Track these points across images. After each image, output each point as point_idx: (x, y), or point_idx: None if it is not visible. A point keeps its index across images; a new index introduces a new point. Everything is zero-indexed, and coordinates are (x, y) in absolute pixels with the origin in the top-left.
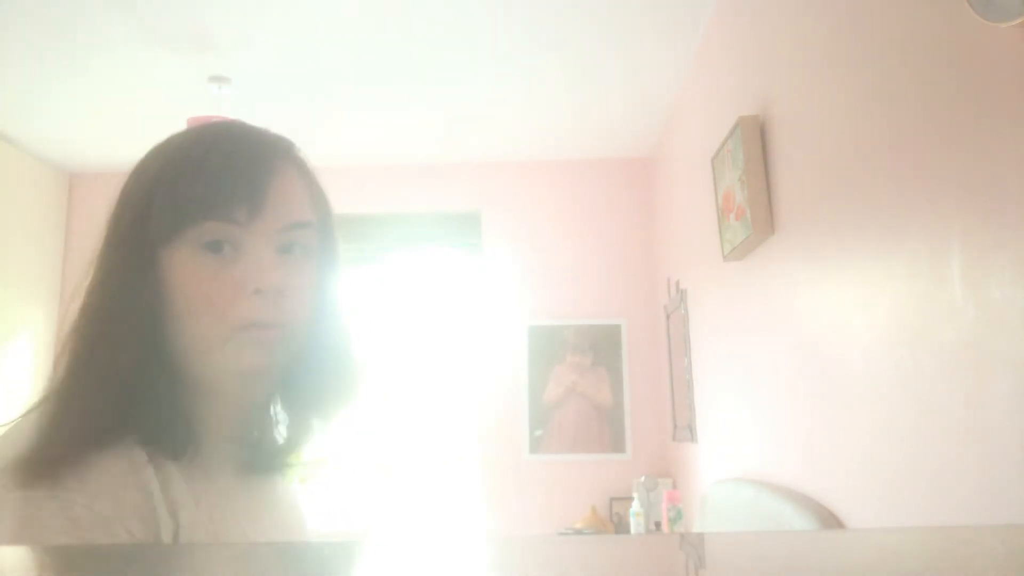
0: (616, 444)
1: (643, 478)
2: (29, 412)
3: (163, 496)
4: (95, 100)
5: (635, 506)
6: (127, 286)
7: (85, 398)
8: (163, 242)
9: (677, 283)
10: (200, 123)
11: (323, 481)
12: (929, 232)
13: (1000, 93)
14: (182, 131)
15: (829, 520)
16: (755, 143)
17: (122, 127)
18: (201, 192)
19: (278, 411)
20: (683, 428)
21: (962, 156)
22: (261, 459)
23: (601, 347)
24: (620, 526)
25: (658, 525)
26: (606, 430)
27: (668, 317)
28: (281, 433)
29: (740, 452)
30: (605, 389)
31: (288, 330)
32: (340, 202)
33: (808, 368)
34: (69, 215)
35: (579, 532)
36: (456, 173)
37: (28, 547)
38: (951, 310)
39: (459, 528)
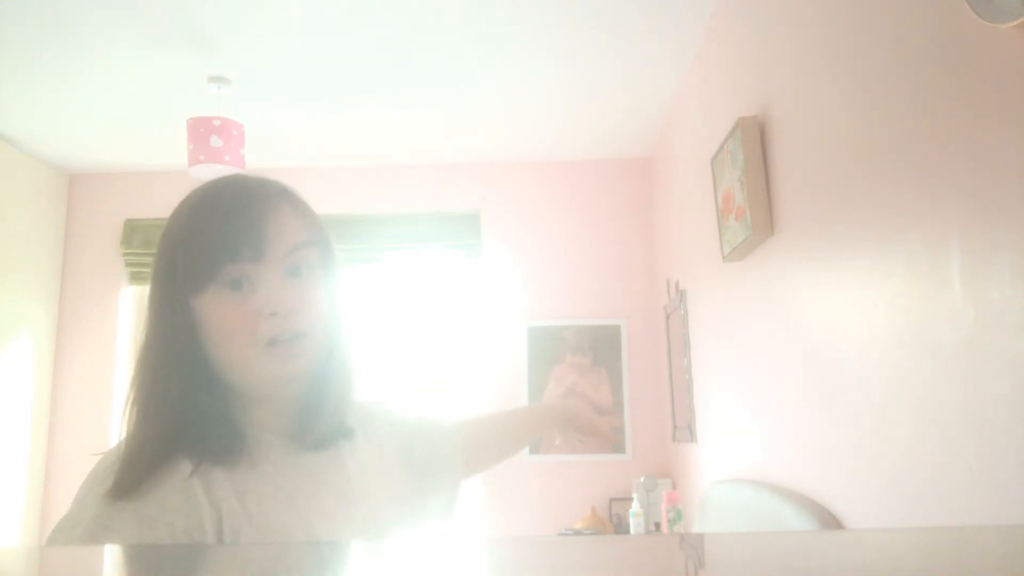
0: (616, 445)
1: (643, 479)
2: (119, 445)
3: (206, 495)
4: (95, 100)
5: (635, 507)
6: (168, 333)
7: (144, 429)
8: (193, 292)
9: (677, 283)
10: (206, 182)
11: None
12: (928, 232)
13: (999, 93)
14: (194, 191)
15: (828, 520)
16: (755, 144)
17: (122, 127)
18: (213, 245)
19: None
20: (683, 428)
21: (961, 157)
22: (308, 442)
23: (601, 347)
24: (620, 527)
25: (658, 526)
26: None
27: (668, 317)
28: (316, 420)
29: (740, 452)
30: (605, 389)
31: (308, 340)
32: (340, 202)
33: (807, 368)
34: (69, 215)
35: (579, 533)
36: (456, 173)
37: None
38: (950, 310)
39: (459, 529)
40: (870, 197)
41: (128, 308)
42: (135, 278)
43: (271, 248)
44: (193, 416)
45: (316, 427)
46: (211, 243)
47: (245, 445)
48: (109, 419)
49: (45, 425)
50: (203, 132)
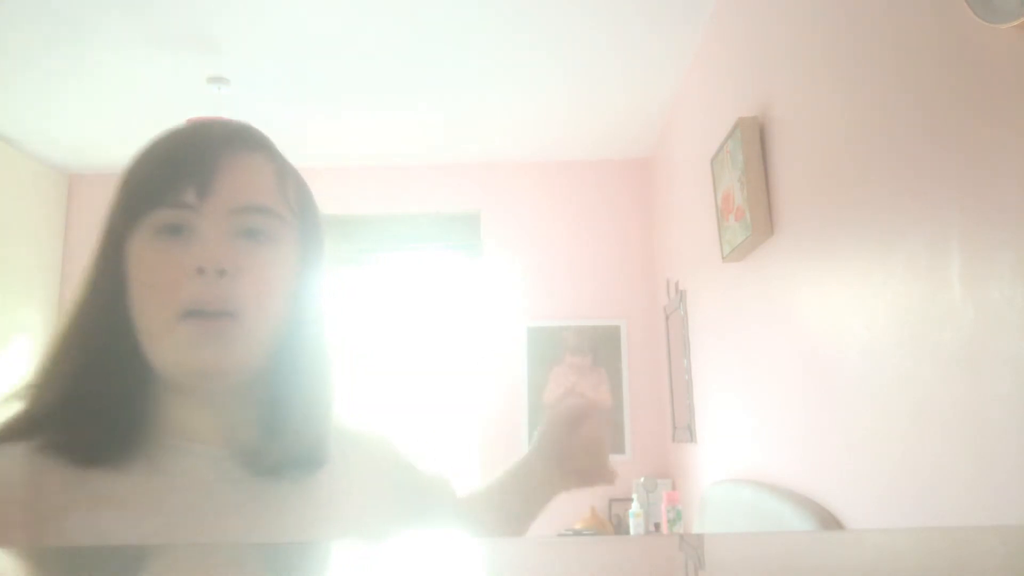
0: (615, 445)
1: (642, 479)
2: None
3: (34, 501)
4: (95, 101)
5: (634, 507)
6: (93, 280)
7: (25, 397)
8: (127, 232)
9: (676, 284)
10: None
11: None
12: (928, 233)
13: (999, 94)
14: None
15: (828, 520)
16: (754, 144)
17: (122, 128)
18: (153, 180)
19: (276, 416)
20: (682, 429)
21: (961, 157)
22: (258, 466)
23: (601, 348)
24: (620, 527)
25: (657, 526)
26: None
27: (667, 318)
28: (279, 439)
29: (739, 453)
30: (604, 390)
31: (239, 323)
32: (339, 202)
33: (807, 369)
34: (69, 216)
35: (579, 533)
36: (456, 173)
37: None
38: (950, 310)
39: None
40: (870, 197)
41: None
42: None
43: (219, 197)
44: (83, 395)
45: (269, 448)
46: (152, 177)
47: (142, 448)
48: None
49: None
50: None
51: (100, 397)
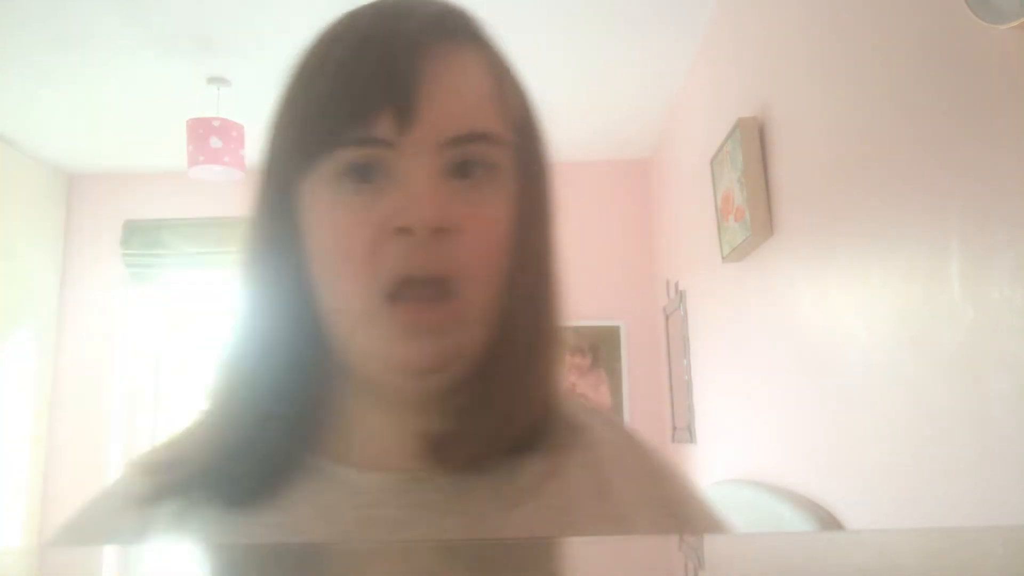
0: None
1: None
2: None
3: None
4: (95, 101)
5: None
6: (260, 240)
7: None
8: (296, 177)
9: (676, 284)
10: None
11: None
12: (928, 233)
13: (998, 94)
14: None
15: (828, 521)
16: (754, 145)
17: (122, 128)
18: (329, 103)
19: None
20: (682, 429)
21: (961, 158)
22: (455, 458)
23: (600, 348)
24: None
25: None
26: None
27: (667, 318)
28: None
29: (739, 453)
30: (604, 390)
31: (463, 295)
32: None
33: (807, 369)
34: (69, 216)
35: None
36: None
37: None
38: (950, 311)
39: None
40: (869, 198)
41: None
42: (135, 279)
43: (427, 124)
44: (244, 417)
45: (468, 431)
46: (329, 99)
47: (311, 479)
48: (108, 420)
49: (44, 425)
50: (202, 133)
51: (273, 425)
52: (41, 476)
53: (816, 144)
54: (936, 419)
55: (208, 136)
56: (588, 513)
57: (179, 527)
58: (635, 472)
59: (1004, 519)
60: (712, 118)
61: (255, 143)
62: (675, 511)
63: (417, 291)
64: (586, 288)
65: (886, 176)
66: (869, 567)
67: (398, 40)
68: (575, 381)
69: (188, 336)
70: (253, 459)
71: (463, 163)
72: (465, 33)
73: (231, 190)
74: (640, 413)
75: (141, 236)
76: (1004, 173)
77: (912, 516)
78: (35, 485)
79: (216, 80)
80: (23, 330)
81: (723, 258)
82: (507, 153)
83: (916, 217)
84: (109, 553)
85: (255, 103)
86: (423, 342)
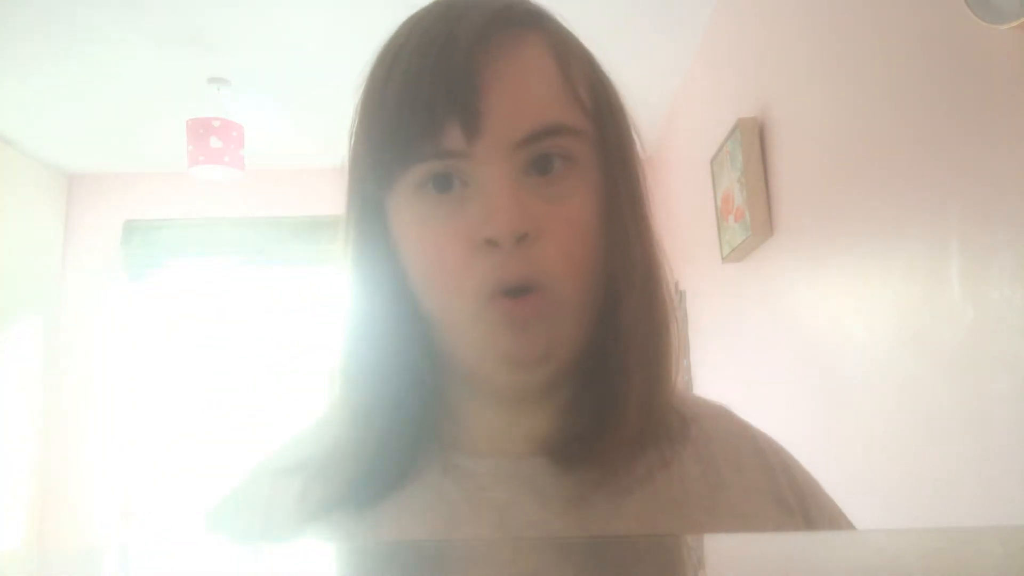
0: None
1: None
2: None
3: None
4: (95, 101)
5: None
6: (360, 251)
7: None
8: (383, 196)
9: (676, 284)
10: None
11: None
12: (928, 234)
13: (998, 95)
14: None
15: None
16: (754, 145)
17: (122, 128)
18: (398, 121)
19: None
20: None
21: (960, 158)
22: (567, 457)
23: None
24: None
25: None
26: None
27: None
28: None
29: None
30: None
31: (553, 293)
32: (339, 203)
33: (807, 370)
34: (68, 215)
35: None
36: None
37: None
38: (950, 311)
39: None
40: (869, 198)
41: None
42: (135, 279)
43: (496, 130)
44: (375, 402)
45: (575, 428)
46: (398, 116)
47: (429, 471)
48: (105, 420)
49: (44, 425)
50: (202, 133)
51: (391, 416)
52: (40, 476)
53: (816, 144)
54: (936, 419)
55: (208, 136)
56: (701, 506)
57: (313, 524)
58: (750, 466)
59: (1004, 519)
60: (712, 118)
61: (255, 143)
62: (793, 506)
63: (511, 292)
64: None
65: (886, 176)
66: (869, 567)
67: (457, 44)
68: None
69: (188, 336)
70: (386, 460)
71: (540, 158)
72: (525, 24)
73: (231, 190)
74: None
75: (141, 236)
76: (1004, 173)
77: (912, 516)
78: (34, 484)
79: (216, 80)
80: (23, 329)
81: (723, 258)
82: (584, 143)
83: (916, 217)
84: (109, 553)
85: (255, 103)
86: (523, 334)
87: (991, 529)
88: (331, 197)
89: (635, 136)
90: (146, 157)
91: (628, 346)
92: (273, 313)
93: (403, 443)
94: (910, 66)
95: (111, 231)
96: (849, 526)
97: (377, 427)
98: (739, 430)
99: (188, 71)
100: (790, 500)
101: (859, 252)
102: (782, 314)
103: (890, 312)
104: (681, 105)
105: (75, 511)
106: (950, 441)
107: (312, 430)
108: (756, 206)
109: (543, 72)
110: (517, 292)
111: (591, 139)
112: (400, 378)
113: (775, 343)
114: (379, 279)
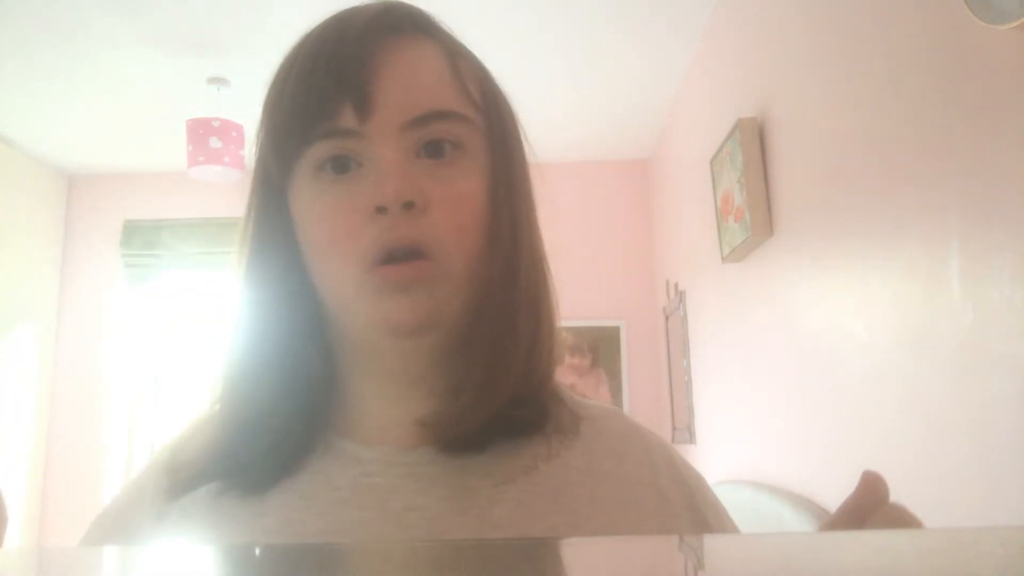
0: None
1: None
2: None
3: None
4: (95, 101)
5: None
6: (256, 241)
7: (213, 421)
8: (283, 178)
9: (676, 285)
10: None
11: None
12: (928, 234)
13: (999, 94)
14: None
15: None
16: (754, 145)
17: (121, 128)
18: (296, 106)
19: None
20: (682, 430)
21: (960, 158)
22: (446, 435)
23: (600, 349)
24: None
25: None
26: None
27: (667, 319)
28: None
29: (739, 454)
30: (604, 391)
31: (437, 261)
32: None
33: (807, 370)
34: (68, 216)
35: None
36: None
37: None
38: (950, 311)
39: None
40: (869, 198)
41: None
42: (134, 279)
43: (385, 110)
44: (265, 405)
45: (454, 409)
46: (295, 102)
47: (317, 456)
48: (107, 420)
49: (44, 425)
50: (202, 133)
51: (284, 400)
52: (40, 476)
53: (816, 144)
54: (936, 419)
55: (208, 136)
56: (582, 495)
57: (197, 520)
58: (633, 460)
59: (1004, 519)
60: (712, 118)
61: (254, 143)
62: (672, 497)
63: (396, 261)
64: (586, 288)
65: (886, 176)
66: (869, 567)
67: (348, 37)
68: (575, 381)
69: (188, 336)
70: (270, 446)
71: (432, 143)
72: (412, 23)
73: (231, 190)
74: (640, 413)
75: (141, 236)
76: (1004, 173)
77: None
78: (34, 485)
79: (216, 80)
80: (23, 330)
81: (723, 258)
82: (473, 131)
83: (916, 217)
84: (109, 553)
85: (255, 103)
86: (406, 297)
87: (991, 529)
88: None
89: (524, 137)
90: (146, 157)
91: (496, 325)
92: None
93: (290, 433)
94: (910, 66)
95: (111, 231)
96: (734, 528)
97: (255, 421)
98: (630, 430)
99: (188, 71)
100: (670, 491)
101: (859, 252)
102: (782, 314)
103: (890, 312)
104: (681, 105)
105: (75, 511)
106: (950, 441)
107: (199, 426)
108: (756, 206)
109: (433, 64)
110: (403, 257)
111: (480, 129)
112: (289, 374)
113: (775, 343)
114: (275, 268)
